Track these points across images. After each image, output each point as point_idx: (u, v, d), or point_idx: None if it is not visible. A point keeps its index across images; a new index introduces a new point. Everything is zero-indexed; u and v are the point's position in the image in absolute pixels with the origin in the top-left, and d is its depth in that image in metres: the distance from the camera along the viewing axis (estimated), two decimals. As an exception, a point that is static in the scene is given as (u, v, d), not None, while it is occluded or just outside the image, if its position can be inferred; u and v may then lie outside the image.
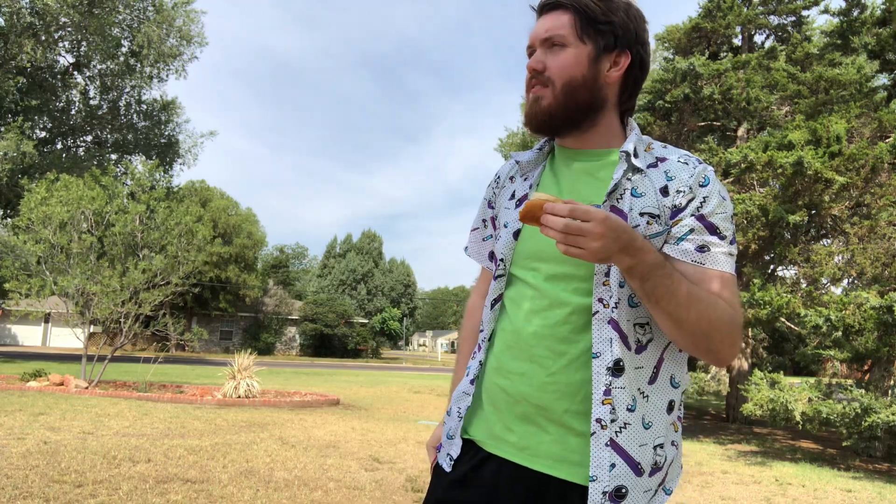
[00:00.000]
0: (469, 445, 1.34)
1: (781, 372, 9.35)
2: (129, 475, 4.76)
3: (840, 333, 8.09)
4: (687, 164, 1.21)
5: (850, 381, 8.94)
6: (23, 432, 6.27)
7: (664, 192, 1.19)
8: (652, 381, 1.20)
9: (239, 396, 10.40)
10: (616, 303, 1.17)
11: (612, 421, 1.15)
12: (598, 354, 1.17)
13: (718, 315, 1.11)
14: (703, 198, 1.17)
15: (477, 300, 1.56)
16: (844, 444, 8.45)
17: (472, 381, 1.35)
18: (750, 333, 13.04)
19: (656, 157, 1.25)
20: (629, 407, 1.16)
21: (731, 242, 1.18)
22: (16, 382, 11.06)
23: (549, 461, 1.21)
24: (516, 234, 1.32)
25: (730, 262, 1.17)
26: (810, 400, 8.44)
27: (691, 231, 1.16)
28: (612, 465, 1.15)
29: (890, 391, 8.54)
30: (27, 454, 5.24)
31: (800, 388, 8.77)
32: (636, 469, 1.16)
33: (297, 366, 28.41)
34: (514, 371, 1.26)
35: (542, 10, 1.31)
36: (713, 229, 1.16)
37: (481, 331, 1.39)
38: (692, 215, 1.17)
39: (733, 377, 13.34)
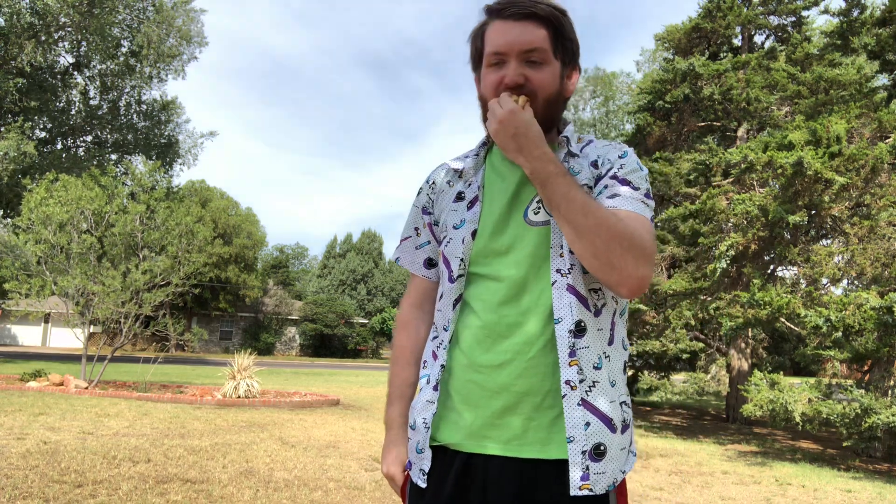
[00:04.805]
0: (440, 453, 1.30)
1: (781, 372, 9.34)
2: (129, 475, 4.76)
3: (840, 334, 8.08)
4: (610, 144, 1.36)
5: (850, 382, 8.93)
6: (23, 432, 6.27)
7: (594, 165, 1.33)
8: (610, 342, 1.27)
9: (239, 396, 10.40)
10: (569, 268, 1.24)
11: (581, 381, 1.20)
12: (560, 319, 1.22)
13: (619, 228, 1.16)
14: (620, 165, 1.30)
15: (411, 311, 1.49)
16: (844, 444, 8.45)
17: (435, 388, 1.32)
18: (750, 333, 13.04)
19: (585, 142, 1.38)
20: (595, 365, 1.22)
21: (646, 195, 1.28)
22: (16, 382, 11.06)
23: (537, 446, 1.22)
24: (474, 234, 1.32)
25: (641, 207, 1.25)
26: (810, 400, 8.44)
27: (606, 187, 1.28)
28: (587, 424, 1.19)
29: (890, 392, 8.53)
30: (27, 454, 5.25)
31: (800, 388, 8.77)
32: (610, 425, 1.21)
33: (296, 366, 28.41)
34: (489, 364, 1.25)
35: (511, 17, 1.29)
36: (625, 182, 1.28)
37: (435, 337, 1.37)
38: (609, 176, 1.30)
39: (733, 377, 13.34)
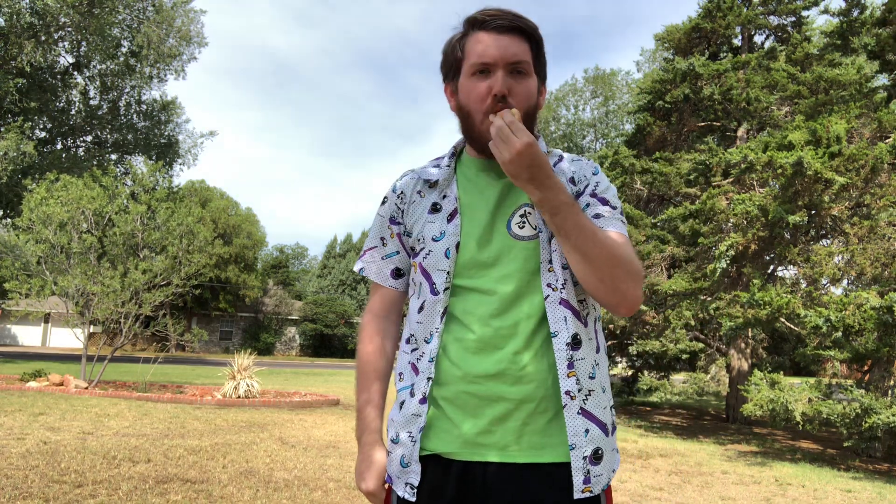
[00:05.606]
0: (431, 463, 1.29)
1: (781, 372, 9.33)
2: (129, 475, 4.76)
3: (840, 334, 8.08)
4: (580, 160, 1.42)
5: (850, 382, 8.93)
6: (23, 432, 6.27)
7: (572, 181, 1.38)
8: (597, 350, 1.34)
9: (239, 396, 10.40)
10: (563, 284, 1.29)
11: (579, 391, 1.27)
12: (557, 333, 1.28)
13: (622, 253, 1.25)
14: (596, 182, 1.38)
15: (376, 321, 1.45)
16: (845, 444, 8.45)
17: (422, 401, 1.30)
18: (750, 333, 13.03)
19: (557, 158, 1.43)
20: (590, 375, 1.29)
21: (621, 213, 1.38)
22: (16, 382, 11.06)
23: (533, 451, 1.25)
24: (457, 246, 1.32)
25: (622, 226, 1.34)
26: (810, 400, 8.44)
27: (588, 206, 1.35)
28: (587, 431, 1.26)
29: (890, 391, 8.53)
30: (27, 454, 5.25)
31: (800, 388, 8.77)
32: (605, 430, 1.29)
33: (296, 366, 28.41)
34: (483, 374, 1.27)
35: (496, 29, 1.31)
36: (604, 202, 1.36)
37: (415, 349, 1.36)
38: (588, 194, 1.36)
39: (733, 377, 13.34)
